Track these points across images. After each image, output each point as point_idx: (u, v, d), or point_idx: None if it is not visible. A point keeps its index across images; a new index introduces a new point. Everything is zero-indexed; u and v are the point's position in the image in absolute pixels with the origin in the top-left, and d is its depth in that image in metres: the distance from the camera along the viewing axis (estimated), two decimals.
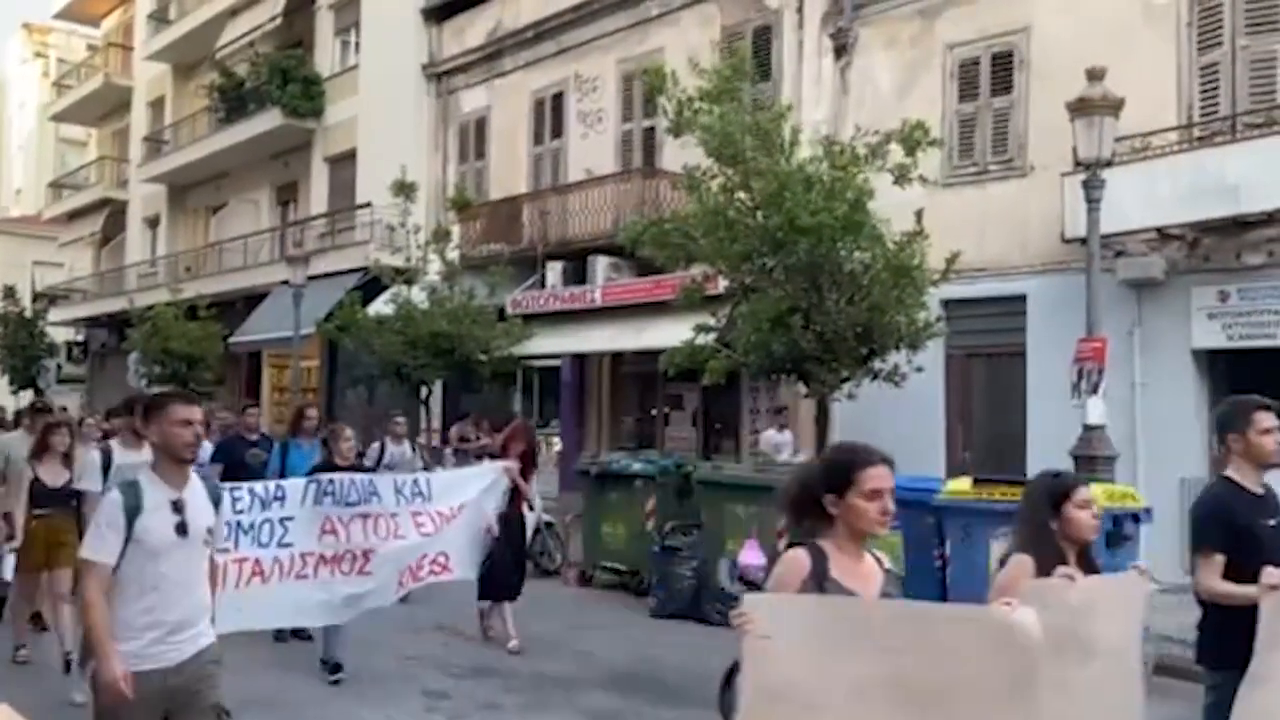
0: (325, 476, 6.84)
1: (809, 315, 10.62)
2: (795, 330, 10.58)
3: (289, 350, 19.82)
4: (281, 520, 6.50)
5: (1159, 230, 11.45)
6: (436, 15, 21.68)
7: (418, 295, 16.68)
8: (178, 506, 3.84)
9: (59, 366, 32.87)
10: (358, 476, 7.05)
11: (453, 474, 7.98)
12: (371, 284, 18.59)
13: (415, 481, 7.38)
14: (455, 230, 18.41)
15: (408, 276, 16.83)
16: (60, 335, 33.24)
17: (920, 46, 13.97)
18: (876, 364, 11.20)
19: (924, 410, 12.66)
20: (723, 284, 12.00)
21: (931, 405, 13.03)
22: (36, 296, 34.43)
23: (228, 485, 5.98)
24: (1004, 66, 13.20)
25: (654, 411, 17.19)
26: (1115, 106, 9.53)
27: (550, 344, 16.92)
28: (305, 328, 18.56)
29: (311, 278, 19.00)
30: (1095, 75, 9.62)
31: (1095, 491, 7.91)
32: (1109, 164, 9.64)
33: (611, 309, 16.33)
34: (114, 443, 6.42)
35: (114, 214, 33.25)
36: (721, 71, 11.27)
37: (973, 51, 13.48)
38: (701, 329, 11.64)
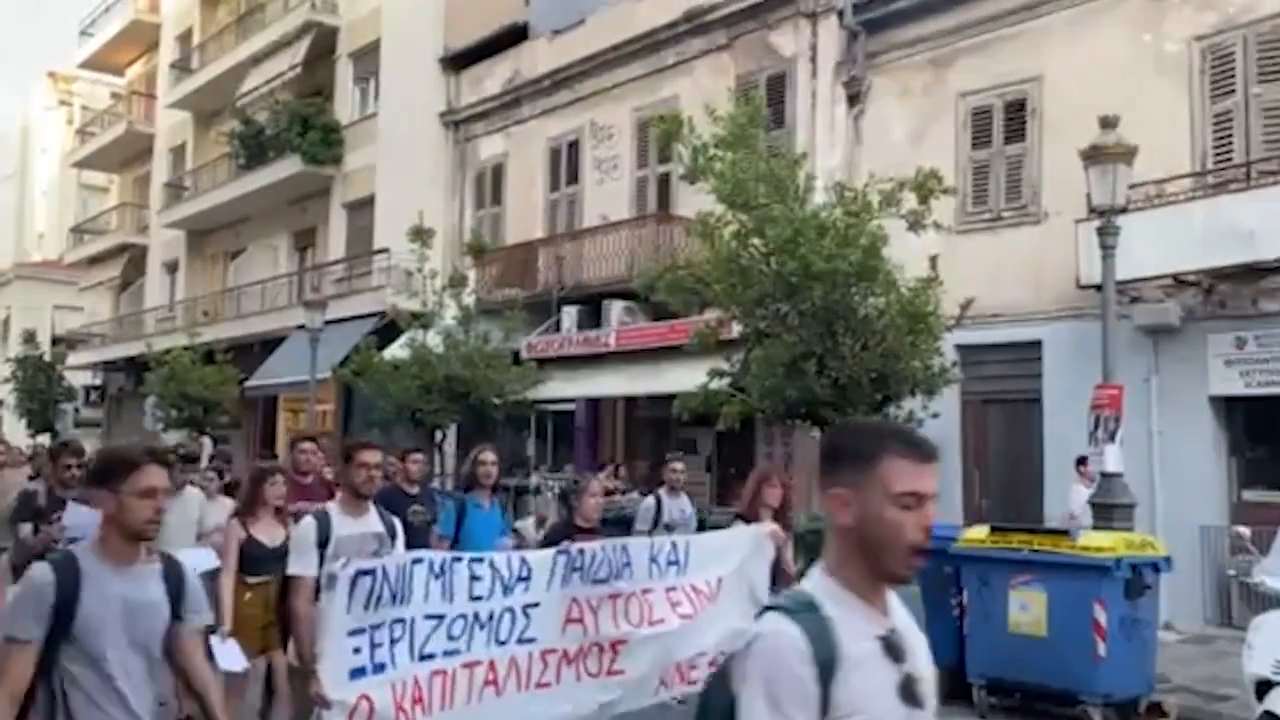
0: (575, 547, 5.20)
1: (823, 361, 10.61)
2: (809, 376, 10.57)
3: (305, 394, 19.89)
4: (525, 609, 4.89)
5: (1174, 277, 11.44)
6: (455, 64, 21.98)
7: (433, 339, 16.75)
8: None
9: (77, 410, 33.06)
10: (608, 544, 5.42)
11: (710, 539, 6.27)
12: (388, 328, 18.69)
13: (672, 546, 5.67)
14: (471, 275, 18.53)
15: (424, 321, 16.92)
16: (78, 379, 33.47)
17: (933, 95, 14.08)
18: (891, 410, 11.15)
19: (940, 457, 12.58)
20: (737, 329, 12.02)
21: (947, 452, 12.96)
22: (56, 340, 34.73)
23: (461, 558, 4.77)
24: (1017, 114, 13.27)
25: (667, 456, 17.14)
26: (1129, 154, 9.55)
27: (565, 388, 16.95)
28: (321, 372, 18.64)
29: (328, 322, 19.11)
30: (1108, 123, 9.66)
31: (1115, 540, 7.89)
32: (1123, 211, 9.65)
33: (626, 353, 16.36)
34: (332, 509, 5.16)
35: (134, 259, 33.60)
36: (737, 118, 11.37)
37: (985, 100, 13.57)
38: (715, 374, 11.64)
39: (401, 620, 4.35)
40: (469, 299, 17.49)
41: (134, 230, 33.81)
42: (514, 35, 20.90)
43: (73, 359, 33.15)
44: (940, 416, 11.56)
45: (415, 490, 7.90)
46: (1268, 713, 5.68)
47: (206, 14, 30.73)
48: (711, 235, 11.21)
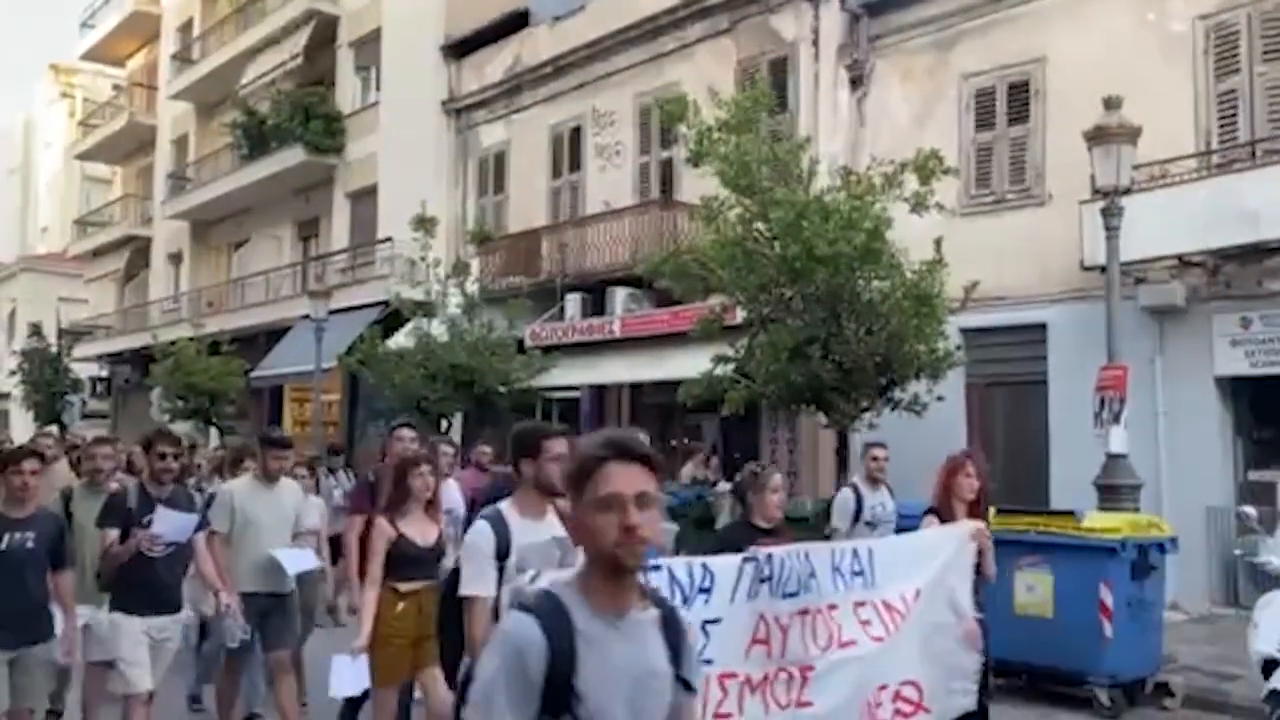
0: (763, 553, 4.30)
1: (828, 345, 10.61)
2: (814, 360, 10.56)
3: (310, 384, 19.93)
4: (704, 625, 4.06)
5: (1179, 257, 11.41)
6: (456, 52, 21.93)
7: (437, 328, 16.75)
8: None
9: (83, 402, 33.14)
10: (794, 550, 4.50)
11: (902, 543, 5.24)
12: (392, 317, 18.69)
13: (854, 554, 4.73)
14: (475, 263, 18.52)
15: (428, 310, 16.92)
16: (84, 371, 33.54)
17: (936, 77, 14.03)
18: (896, 394, 11.16)
19: (945, 440, 12.51)
20: (741, 314, 12.01)
21: (952, 435, 12.94)
22: (61, 333, 34.80)
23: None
24: (1020, 96, 13.22)
25: (673, 443, 17.17)
26: (1133, 134, 9.52)
27: (569, 375, 16.95)
28: (326, 361, 18.67)
29: (332, 312, 19.13)
30: (1112, 103, 9.63)
31: (1121, 521, 7.89)
32: (1128, 192, 9.63)
33: (630, 340, 16.36)
34: (508, 511, 3.90)
35: (138, 250, 33.64)
36: (741, 102, 11.34)
37: (988, 82, 13.52)
38: (720, 360, 11.64)
39: None
40: (473, 287, 17.48)
41: (138, 222, 33.84)
42: (515, 22, 20.83)
43: (79, 351, 33.22)
44: (945, 400, 11.56)
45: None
46: (1274, 691, 5.68)
47: (207, 4, 30.68)
48: (715, 219, 11.20)
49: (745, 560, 4.25)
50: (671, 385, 13.20)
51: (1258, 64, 11.46)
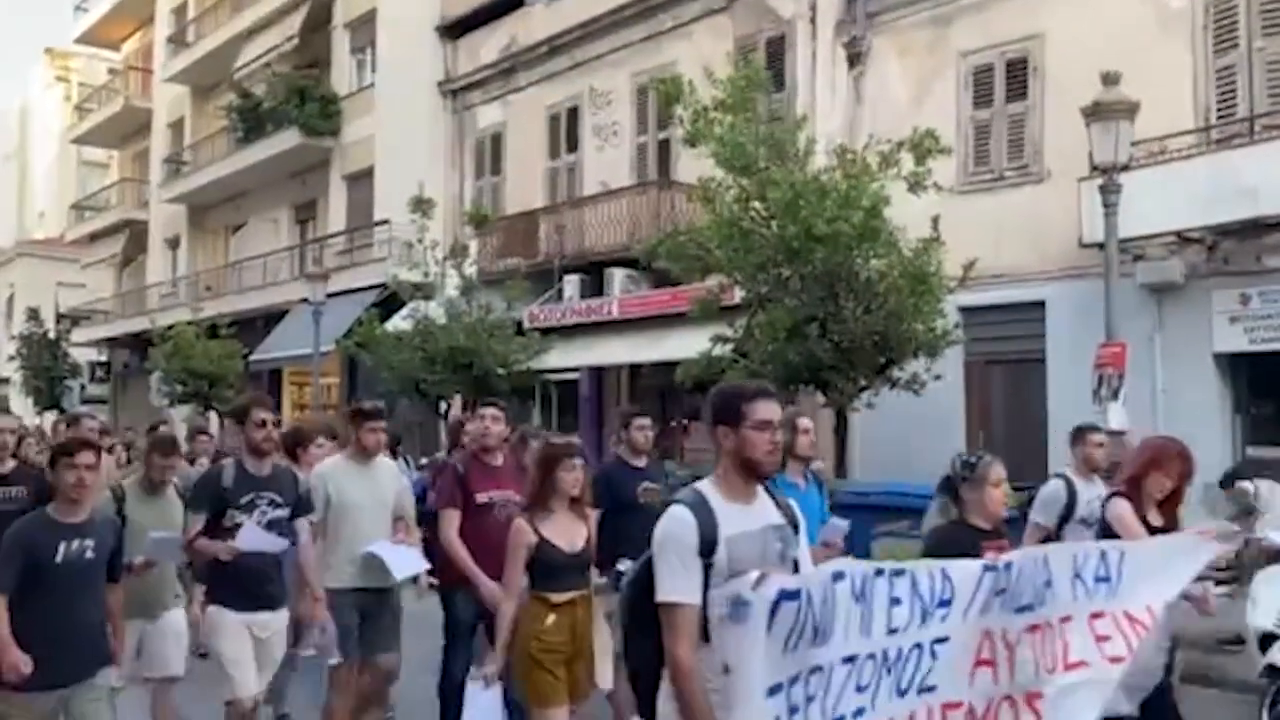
0: (1001, 559, 3.63)
1: (826, 324, 10.60)
2: (812, 340, 10.56)
3: (309, 367, 19.92)
4: (934, 645, 3.38)
5: (1178, 234, 11.39)
6: (451, 32, 21.82)
7: (435, 311, 16.74)
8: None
9: (83, 387, 33.15)
10: (1032, 554, 3.80)
11: (1155, 545, 4.42)
12: (390, 300, 18.68)
13: (1101, 556, 3.91)
14: (472, 245, 18.49)
15: (425, 292, 16.90)
16: (83, 356, 33.53)
17: (934, 54, 13.96)
18: (895, 373, 11.16)
19: (944, 418, 12.61)
20: (739, 294, 12.00)
21: (951, 413, 12.97)
22: (60, 318, 34.77)
23: (881, 571, 3.12)
24: (1018, 73, 13.16)
25: (673, 423, 17.18)
26: (1131, 110, 9.49)
27: (568, 357, 16.95)
28: (325, 345, 18.66)
29: (330, 295, 19.10)
30: (1110, 80, 9.59)
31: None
32: (1126, 168, 9.60)
33: (629, 321, 16.35)
34: (710, 493, 3.08)
35: (135, 235, 33.56)
36: (736, 81, 11.29)
37: (986, 59, 13.46)
38: (718, 340, 11.63)
39: (819, 669, 2.91)
40: (470, 269, 17.46)
41: (135, 206, 33.75)
42: (510, 2, 20.70)
43: (77, 336, 33.19)
44: (944, 378, 11.56)
45: (643, 463, 6.13)
46: (1271, 666, 5.71)
47: None
48: (713, 200, 11.17)
49: (985, 570, 3.52)
50: (670, 366, 13.20)
51: (1257, 39, 11.40)
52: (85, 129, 36.26)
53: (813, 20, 15.35)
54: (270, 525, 5.07)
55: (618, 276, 16.80)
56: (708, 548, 2.92)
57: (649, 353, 15.62)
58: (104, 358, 33.87)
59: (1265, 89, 11.34)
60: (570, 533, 4.63)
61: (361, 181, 23.25)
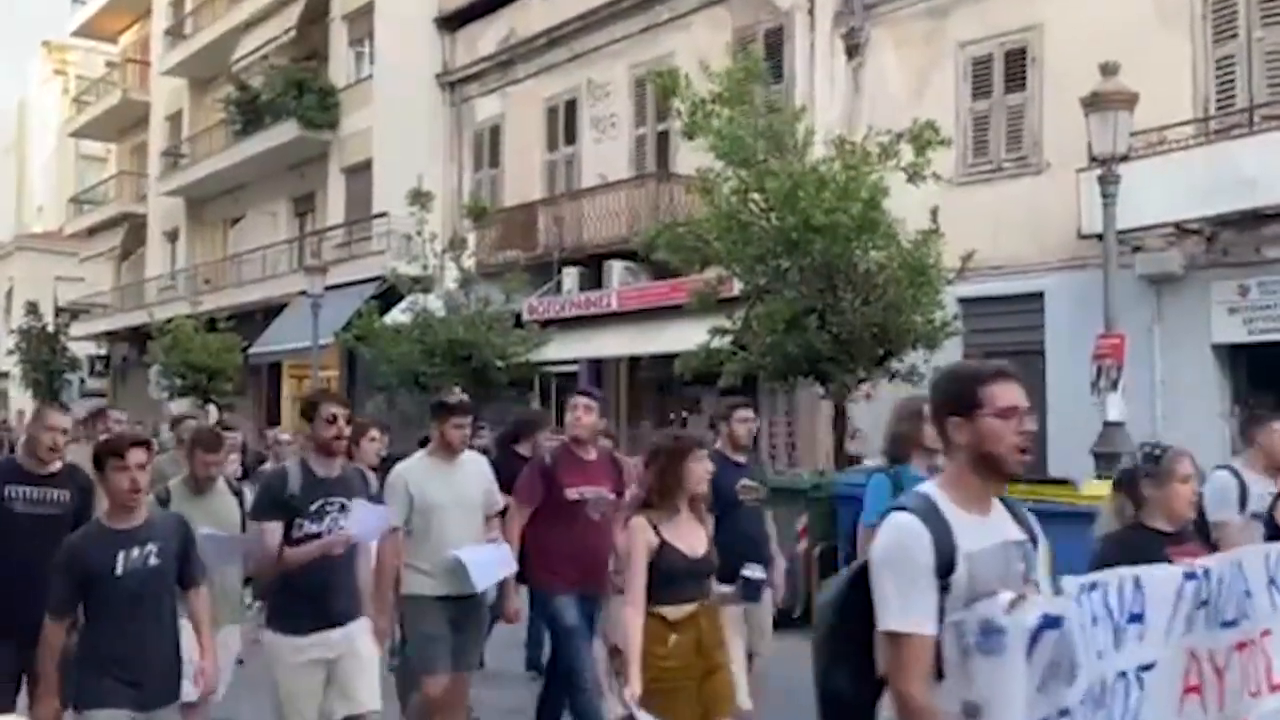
0: (1199, 565, 3.12)
1: (824, 316, 10.59)
2: (811, 331, 10.55)
3: (308, 360, 19.91)
4: (1139, 673, 2.78)
5: (1177, 225, 11.38)
6: (449, 24, 21.77)
7: (434, 303, 16.72)
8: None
9: (82, 381, 33.14)
10: (1227, 559, 3.30)
11: None
12: (389, 293, 18.66)
13: None
14: (471, 238, 18.46)
15: (424, 285, 16.88)
16: (82, 350, 33.52)
17: (932, 45, 13.94)
18: (893, 364, 11.15)
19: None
20: (737, 286, 11.99)
21: None
22: (58, 311, 34.75)
23: (1096, 585, 2.69)
24: (1017, 64, 13.14)
25: (672, 416, 17.19)
26: (1130, 101, 9.47)
27: (567, 349, 16.94)
28: (324, 338, 18.65)
29: (329, 288, 19.08)
30: (1109, 70, 9.58)
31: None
32: (1125, 159, 9.59)
33: (628, 313, 16.34)
34: (940, 499, 2.55)
35: (133, 228, 33.53)
36: (733, 73, 11.27)
37: (985, 49, 13.43)
38: (717, 332, 11.63)
39: (1067, 713, 2.42)
40: (469, 262, 17.44)
41: (133, 199, 33.71)
42: None
43: (76, 329, 33.17)
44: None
45: (744, 458, 5.68)
46: None
47: None
48: (711, 191, 11.16)
49: (1186, 577, 2.98)
50: (669, 358, 13.21)
51: (1256, 29, 11.38)
52: (83, 122, 36.20)
53: (811, 11, 15.32)
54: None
55: (616, 269, 16.80)
56: (945, 566, 2.40)
57: (648, 345, 15.62)
58: (103, 351, 33.86)
59: (1264, 79, 11.32)
60: (692, 536, 4.06)
61: (360, 174, 23.23)
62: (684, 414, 17.06)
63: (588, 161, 18.68)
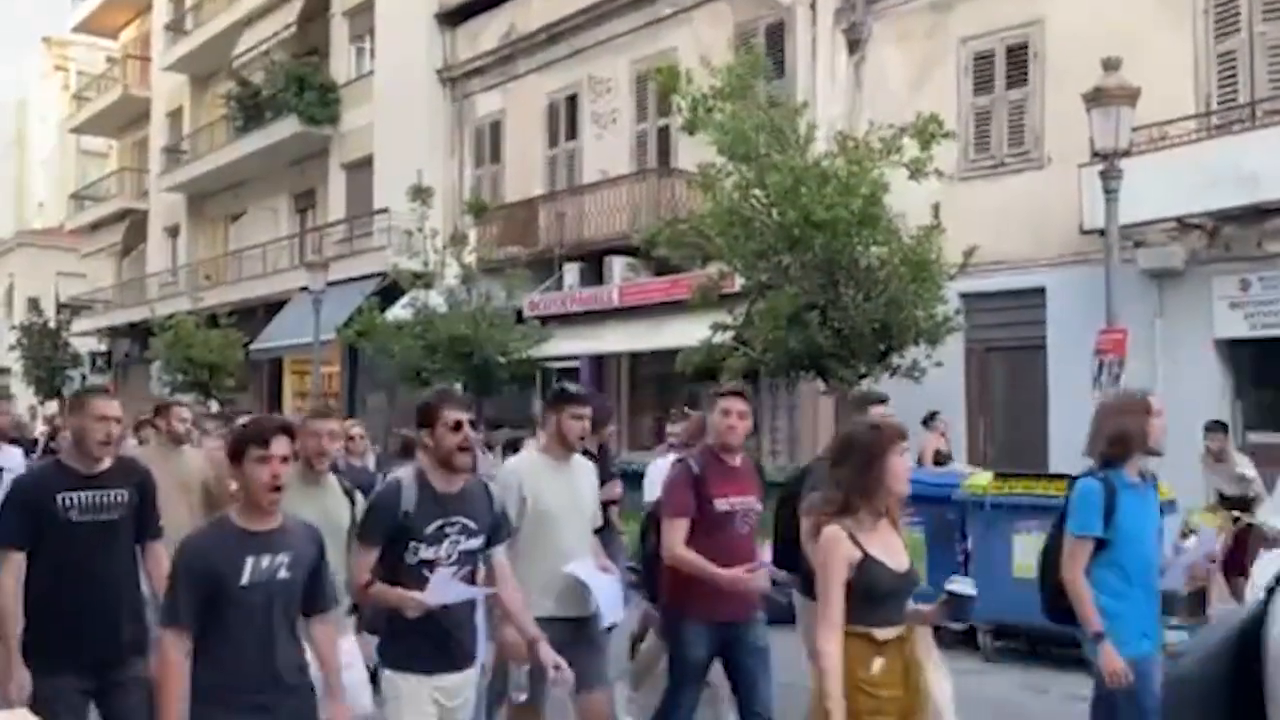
0: None
1: (826, 311, 10.59)
2: (812, 327, 10.55)
3: (310, 356, 19.92)
4: None
5: (1178, 220, 11.37)
6: (450, 20, 21.75)
7: (436, 299, 16.73)
8: None
9: (84, 377, 33.15)
10: None
11: None
12: (390, 289, 18.66)
13: None
14: (472, 234, 18.46)
15: (426, 281, 16.89)
16: (83, 345, 33.54)
17: (934, 40, 13.92)
18: (895, 360, 11.16)
19: (944, 405, 12.59)
20: (739, 282, 11.99)
21: (951, 400, 12.96)
22: (60, 307, 34.76)
23: None
24: (1018, 59, 13.13)
25: (673, 411, 17.19)
26: (1132, 96, 9.46)
27: (568, 345, 16.95)
28: (325, 334, 18.66)
29: (330, 284, 19.08)
30: (1111, 65, 9.57)
31: None
32: (1126, 154, 9.58)
33: (629, 309, 16.34)
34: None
35: (134, 224, 33.53)
36: (734, 69, 11.26)
37: (987, 44, 13.42)
38: (718, 327, 11.63)
39: None
40: (470, 258, 17.44)
41: (134, 195, 33.71)
42: None
43: (77, 325, 33.19)
44: (944, 365, 11.56)
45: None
46: None
47: None
48: (712, 187, 11.15)
49: None
50: (670, 354, 13.21)
51: (1258, 23, 11.36)
52: (84, 118, 36.17)
53: (812, 6, 15.30)
54: (461, 559, 3.79)
55: (617, 265, 16.79)
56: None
57: (649, 341, 15.62)
58: (104, 347, 33.87)
59: (1266, 74, 11.30)
60: (893, 545, 3.51)
61: (361, 170, 23.21)
62: (685, 410, 17.04)
63: (589, 157, 18.67)
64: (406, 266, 17.38)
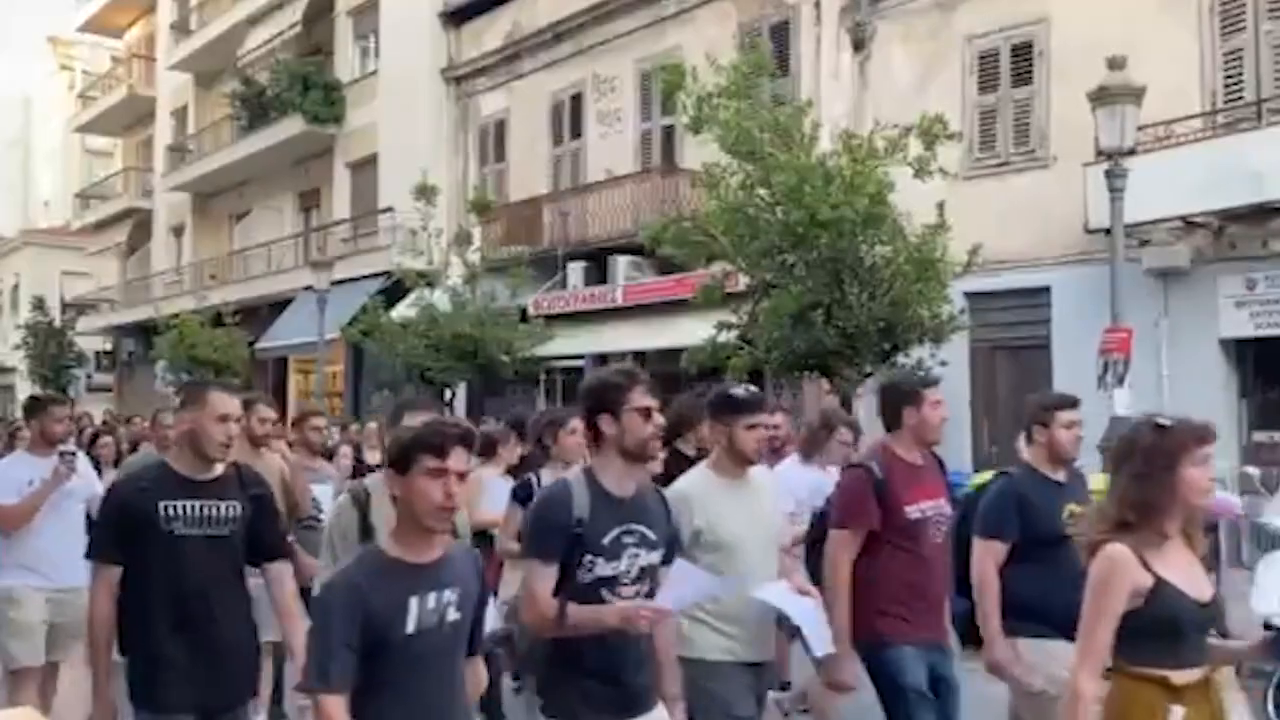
0: None
1: (831, 310, 10.58)
2: (817, 326, 10.54)
3: (314, 355, 19.94)
4: None
5: (1184, 219, 11.35)
6: (454, 19, 21.75)
7: (440, 298, 16.74)
8: None
9: (89, 376, 33.23)
10: None
11: None
12: (394, 288, 18.68)
13: None
14: (476, 233, 18.46)
15: (430, 280, 16.90)
16: (88, 344, 33.60)
17: (938, 39, 13.90)
18: (900, 359, 11.14)
19: (949, 404, 12.56)
20: (743, 281, 11.98)
21: (956, 399, 12.93)
22: (65, 306, 34.82)
23: None
24: (1023, 57, 13.10)
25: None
26: (1137, 95, 9.44)
27: (572, 344, 16.95)
28: (330, 333, 18.67)
29: (335, 283, 19.10)
30: (1116, 64, 9.55)
31: None
32: (1132, 153, 9.56)
33: (633, 308, 16.34)
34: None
35: (139, 223, 33.57)
36: (739, 67, 11.25)
37: (991, 43, 13.40)
38: (723, 326, 11.62)
39: None
40: (475, 257, 17.46)
41: (139, 194, 33.74)
42: None
43: (82, 324, 33.26)
44: (949, 364, 11.52)
45: (1063, 476, 4.40)
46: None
47: None
48: (717, 185, 11.15)
49: None
50: (675, 353, 13.20)
51: (1264, 21, 11.33)
52: (89, 117, 36.23)
53: (817, 5, 15.29)
54: (640, 575, 3.21)
55: (622, 263, 16.79)
56: None
57: (653, 340, 15.60)
58: (109, 346, 33.93)
59: (1272, 73, 11.27)
60: (1191, 569, 2.89)
61: (365, 169, 23.23)
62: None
63: (593, 156, 18.67)
64: (411, 265, 17.40)
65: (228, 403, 3.56)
